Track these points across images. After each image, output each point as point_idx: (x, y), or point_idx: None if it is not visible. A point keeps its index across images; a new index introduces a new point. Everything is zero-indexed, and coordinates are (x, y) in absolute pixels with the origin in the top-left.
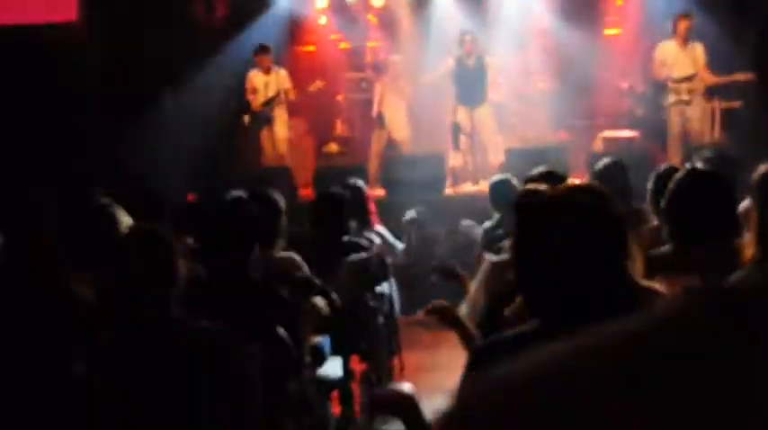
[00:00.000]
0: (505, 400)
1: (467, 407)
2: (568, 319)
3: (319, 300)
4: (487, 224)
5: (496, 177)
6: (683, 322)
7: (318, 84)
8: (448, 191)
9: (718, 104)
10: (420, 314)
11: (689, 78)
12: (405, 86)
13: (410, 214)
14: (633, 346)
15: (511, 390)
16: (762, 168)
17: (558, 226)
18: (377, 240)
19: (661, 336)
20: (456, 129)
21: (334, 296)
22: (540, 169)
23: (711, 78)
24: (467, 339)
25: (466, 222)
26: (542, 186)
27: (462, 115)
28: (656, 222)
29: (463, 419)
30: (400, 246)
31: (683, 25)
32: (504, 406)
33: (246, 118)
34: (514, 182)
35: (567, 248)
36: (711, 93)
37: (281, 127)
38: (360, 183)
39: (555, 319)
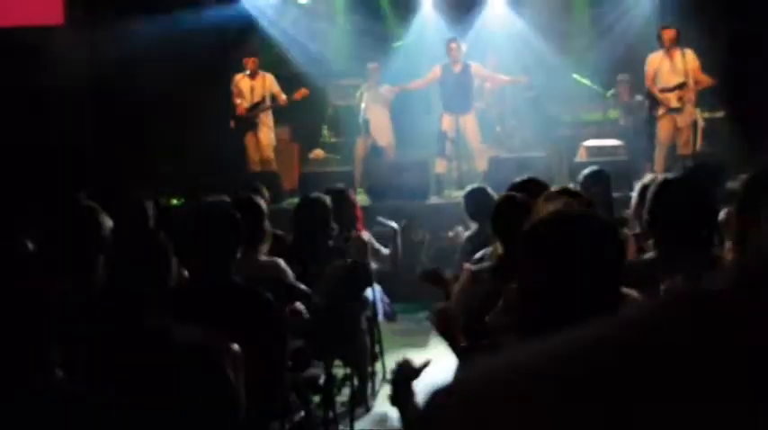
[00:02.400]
0: (475, 399)
1: (440, 404)
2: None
3: (301, 305)
4: (467, 233)
5: (471, 187)
6: (663, 322)
7: (303, 91)
8: (432, 197)
9: (700, 115)
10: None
11: (679, 87)
12: (387, 93)
13: (393, 224)
14: (610, 347)
15: (481, 388)
16: (744, 177)
17: (557, 243)
18: (363, 245)
19: (640, 337)
20: (442, 136)
21: (317, 301)
22: (523, 177)
23: (707, 80)
24: (456, 349)
25: (458, 229)
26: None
27: (448, 122)
28: (638, 230)
29: (436, 417)
30: (385, 251)
31: (667, 35)
32: (474, 403)
33: (232, 122)
34: (490, 191)
35: (564, 264)
36: (696, 103)
37: (267, 132)
38: (343, 188)
39: (548, 329)
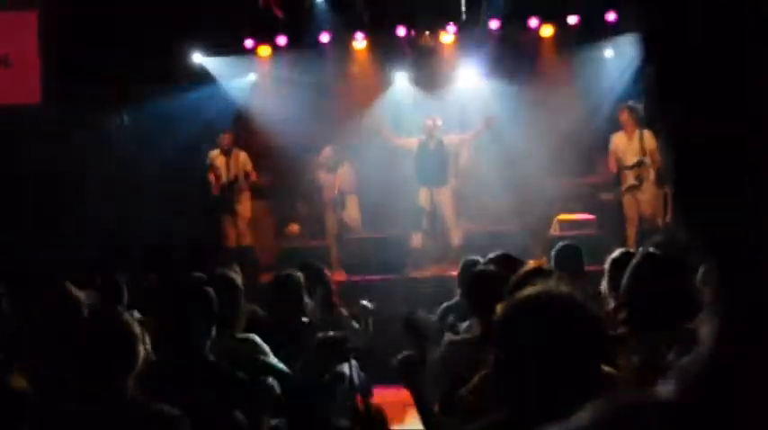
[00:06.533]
0: None
1: None
2: (538, 411)
3: (276, 383)
4: (448, 303)
5: (469, 258)
6: None
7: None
8: (408, 272)
9: (670, 188)
10: (392, 362)
11: (637, 165)
12: (349, 173)
13: (363, 303)
14: None
15: None
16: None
17: (535, 324)
18: (342, 320)
19: None
20: (419, 210)
21: (293, 377)
22: (497, 253)
23: (660, 163)
24: (421, 403)
25: (420, 313)
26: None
27: (424, 196)
28: (612, 305)
29: None
30: (356, 326)
31: (623, 116)
32: None
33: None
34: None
35: (543, 345)
36: (663, 177)
37: (245, 206)
38: (317, 263)
39: (525, 410)
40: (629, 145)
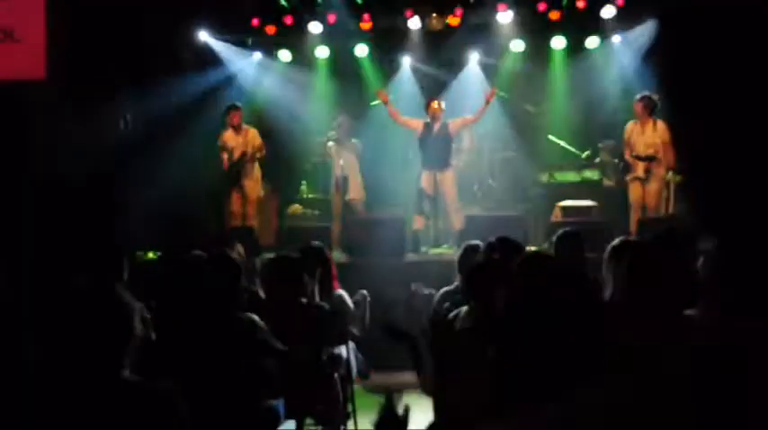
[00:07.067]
0: None
1: None
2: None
3: (275, 362)
4: (447, 288)
5: (469, 243)
6: None
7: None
8: (409, 255)
9: (673, 177)
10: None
11: (649, 159)
12: (355, 147)
13: (360, 294)
14: None
15: None
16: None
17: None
18: (342, 303)
19: None
20: (420, 193)
21: (291, 358)
22: (499, 236)
23: (671, 156)
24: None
25: (415, 285)
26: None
27: (426, 179)
28: (612, 292)
29: None
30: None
31: (638, 106)
32: None
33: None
34: (481, 249)
35: (551, 331)
36: (667, 170)
37: (254, 186)
38: (320, 245)
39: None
40: (642, 135)
